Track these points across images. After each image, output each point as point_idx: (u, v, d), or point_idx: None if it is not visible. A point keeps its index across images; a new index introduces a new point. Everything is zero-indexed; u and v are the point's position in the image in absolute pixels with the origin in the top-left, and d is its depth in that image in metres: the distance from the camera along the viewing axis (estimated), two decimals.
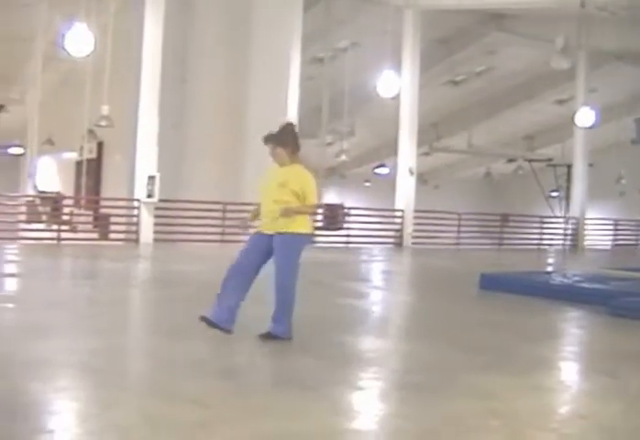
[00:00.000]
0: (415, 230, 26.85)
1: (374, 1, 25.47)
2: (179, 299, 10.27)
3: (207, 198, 22.13)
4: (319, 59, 28.18)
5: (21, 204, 23.84)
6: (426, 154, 37.28)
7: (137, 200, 21.17)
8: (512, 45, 29.93)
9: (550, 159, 38.22)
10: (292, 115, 23.39)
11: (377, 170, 39.16)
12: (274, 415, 4.84)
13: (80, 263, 16.89)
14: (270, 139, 7.44)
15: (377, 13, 25.29)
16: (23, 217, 23.53)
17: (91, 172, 26.69)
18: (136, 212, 21.38)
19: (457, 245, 28.24)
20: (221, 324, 7.02)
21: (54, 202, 25.16)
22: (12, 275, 13.64)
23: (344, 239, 26.17)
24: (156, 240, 21.53)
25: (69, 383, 5.58)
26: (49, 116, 25.54)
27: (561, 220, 33.08)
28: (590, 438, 4.87)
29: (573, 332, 9.46)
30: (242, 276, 7.31)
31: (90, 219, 25.05)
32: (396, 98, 25.83)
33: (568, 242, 31.82)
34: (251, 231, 7.63)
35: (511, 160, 42.97)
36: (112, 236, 23.26)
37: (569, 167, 33.76)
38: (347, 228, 26.63)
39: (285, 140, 7.44)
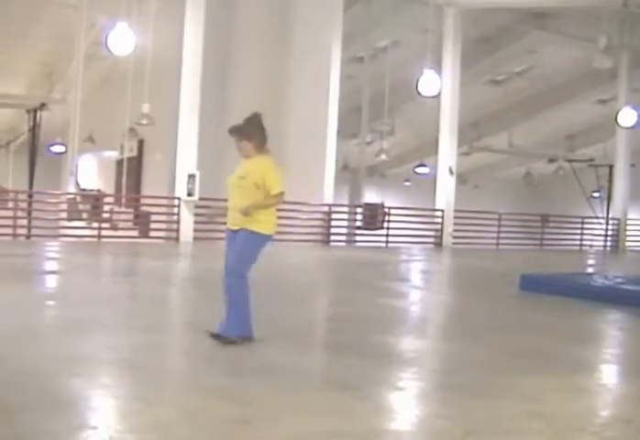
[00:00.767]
0: (455, 230, 26.76)
1: (414, 0, 25.39)
2: (218, 297, 10.29)
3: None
4: (359, 58, 28.18)
5: (62, 202, 24.03)
6: (466, 154, 37.15)
7: (178, 198, 21.28)
8: (553, 44, 29.72)
9: (591, 160, 37.88)
10: (333, 114, 23.42)
11: (417, 170, 39.05)
12: (315, 414, 4.83)
13: (120, 261, 17.00)
14: (234, 132, 7.15)
15: (417, 11, 25.22)
16: (64, 215, 23.72)
17: (131, 170, 26.83)
18: (176, 210, 21.48)
19: (497, 245, 28.10)
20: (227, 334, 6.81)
21: (95, 200, 25.35)
22: (53, 272, 13.77)
23: (383, 239, 26.11)
24: (196, 238, 21.63)
25: (110, 380, 5.60)
26: (90, 115, 25.70)
27: (602, 221, 32.79)
28: None
29: (615, 334, 9.36)
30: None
31: (130, 217, 25.21)
32: (437, 97, 25.74)
33: (609, 243, 31.54)
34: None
35: (551, 160, 42.64)
36: (152, 234, 23.41)
37: (611, 167, 33.42)
38: (387, 228, 26.57)
39: (250, 133, 7.11)
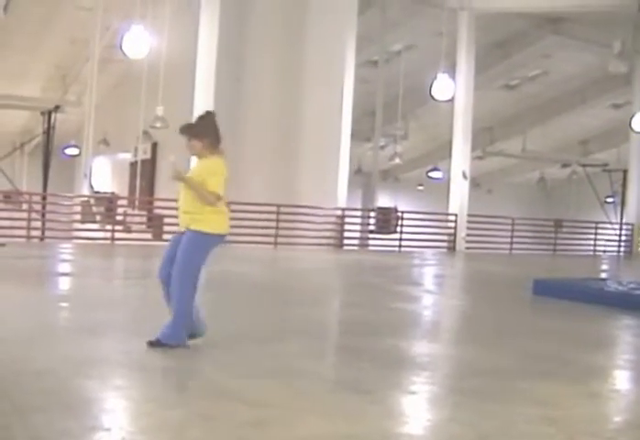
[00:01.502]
0: (468, 234, 26.72)
1: (429, 4, 25.40)
2: (230, 300, 10.32)
3: (261, 200, 22.18)
4: (373, 62, 28.20)
5: (76, 204, 24.10)
6: (480, 158, 37.12)
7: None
8: (567, 49, 29.69)
9: (605, 165, 37.80)
10: (346, 118, 23.43)
11: (430, 174, 39.07)
12: (329, 417, 4.83)
13: (133, 263, 17.04)
14: (184, 131, 6.95)
15: (431, 16, 25.24)
16: (78, 217, 23.79)
17: (145, 173, 26.90)
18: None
19: (510, 250, 28.05)
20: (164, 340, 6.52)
21: (108, 202, 25.40)
22: (67, 274, 13.81)
23: (396, 243, 26.09)
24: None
25: (123, 382, 5.61)
26: (104, 117, 25.80)
27: (616, 226, 32.69)
28: None
29: (629, 340, 9.32)
30: (166, 286, 6.75)
31: (144, 219, 25.26)
32: (450, 101, 25.73)
33: (622, 248, 31.45)
34: None
35: (565, 165, 42.57)
36: (165, 236, 23.41)
37: (625, 172, 33.35)
38: (400, 232, 26.55)
39: (202, 132, 6.87)
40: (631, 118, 28.23)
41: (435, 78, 23.73)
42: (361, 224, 26.88)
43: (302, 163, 23.79)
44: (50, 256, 17.74)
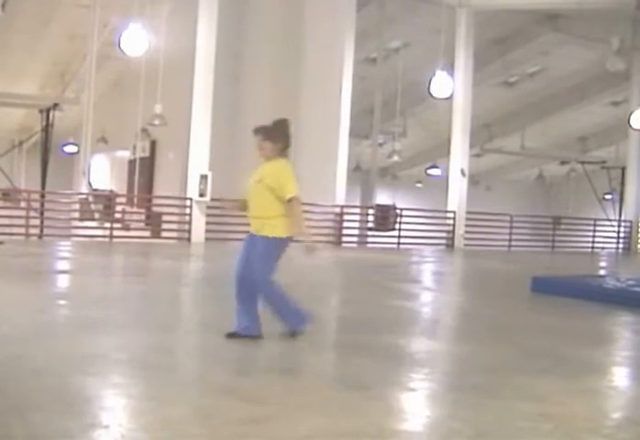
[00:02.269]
0: (467, 232, 26.73)
1: (427, 0, 25.37)
2: (230, 297, 10.31)
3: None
4: (372, 59, 28.19)
5: (75, 202, 24.10)
6: (478, 155, 37.12)
7: (190, 199, 21.30)
8: (566, 46, 29.67)
9: (604, 162, 37.81)
10: (345, 115, 23.42)
11: (429, 171, 39.07)
12: (327, 414, 4.84)
13: (132, 261, 17.04)
14: (260, 131, 7.14)
15: (430, 12, 25.21)
16: (76, 215, 23.79)
17: (144, 171, 26.88)
18: (188, 210, 21.51)
19: (508, 247, 28.06)
20: (243, 331, 6.91)
21: (107, 200, 25.39)
22: (65, 272, 13.80)
23: (395, 240, 26.11)
24: (208, 239, 21.66)
25: (122, 379, 5.62)
26: (103, 115, 25.80)
27: (614, 223, 32.71)
28: None
29: (627, 336, 9.34)
30: (244, 288, 7.03)
31: (142, 217, 25.26)
32: (449, 99, 25.71)
33: (621, 245, 31.47)
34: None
35: (564, 163, 42.59)
36: (164, 234, 23.45)
37: (623, 169, 33.36)
38: (399, 229, 26.55)
39: (276, 136, 7.08)
40: (629, 115, 28.23)
41: (434, 75, 23.70)
42: (360, 221, 26.88)
43: (300, 160, 23.67)
44: (49, 253, 17.75)
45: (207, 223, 21.69)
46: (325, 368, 6.44)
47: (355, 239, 26.48)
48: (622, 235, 31.50)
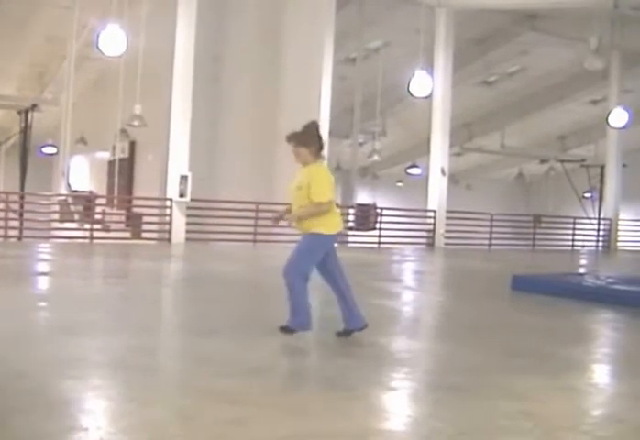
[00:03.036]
0: (447, 231, 26.79)
1: (406, 0, 25.40)
2: (211, 298, 10.30)
3: (239, 198, 22.19)
4: (351, 59, 28.20)
5: (54, 204, 24.01)
6: (458, 154, 37.23)
7: (170, 199, 21.27)
8: (545, 45, 29.77)
9: (583, 160, 37.98)
10: (325, 115, 23.42)
11: (409, 171, 39.11)
12: (308, 415, 4.84)
13: (112, 262, 16.98)
14: (292, 139, 7.27)
15: (409, 12, 25.25)
16: (56, 216, 23.70)
17: (123, 172, 26.80)
18: (168, 211, 21.47)
19: (489, 245, 28.14)
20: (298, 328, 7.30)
21: (87, 201, 25.30)
22: (45, 274, 13.74)
23: (376, 240, 26.13)
24: (188, 240, 21.63)
25: (102, 381, 5.60)
26: (82, 116, 25.72)
27: (594, 221, 32.86)
28: None
29: (607, 334, 9.38)
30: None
31: (122, 218, 25.19)
32: (428, 98, 25.77)
33: (601, 243, 31.61)
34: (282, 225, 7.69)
35: (543, 161, 42.75)
36: (144, 235, 23.39)
37: (603, 168, 33.52)
38: (379, 229, 26.59)
39: (308, 140, 7.22)
40: (608, 114, 28.40)
41: (414, 75, 23.75)
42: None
43: (280, 161, 23.74)
44: (29, 255, 17.66)
45: (187, 223, 21.67)
46: (305, 369, 6.45)
47: None
48: (601, 233, 31.65)
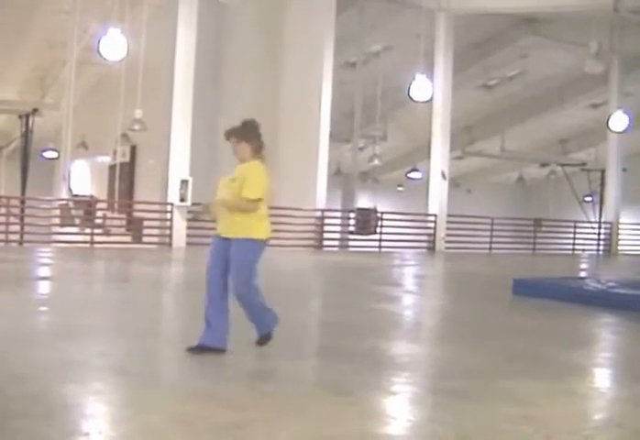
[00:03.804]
0: (448, 235, 26.79)
1: (407, 4, 25.43)
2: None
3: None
4: (352, 63, 28.20)
5: (55, 208, 23.99)
6: (459, 158, 37.23)
7: (171, 204, 21.27)
8: (544, 49, 29.78)
9: (584, 164, 37.96)
10: (325, 120, 23.44)
11: (410, 175, 39.10)
12: (308, 419, 4.84)
13: (113, 266, 16.99)
14: (233, 133, 6.93)
15: (409, 17, 25.25)
16: (57, 221, 23.68)
17: (124, 176, 26.80)
18: (169, 216, 21.47)
19: (489, 249, 28.13)
20: (215, 345, 6.65)
21: (88, 205, 25.29)
22: (46, 278, 13.74)
23: (376, 244, 26.12)
24: (189, 244, 21.61)
25: (104, 386, 5.59)
26: (83, 121, 25.70)
27: (595, 225, 32.85)
28: None
29: (608, 338, 9.38)
30: (216, 293, 6.83)
31: (123, 223, 25.17)
32: (429, 102, 25.77)
33: (601, 247, 31.59)
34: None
35: (544, 165, 42.74)
36: (145, 239, 23.37)
37: (603, 171, 33.53)
38: (380, 233, 26.58)
39: (249, 135, 6.93)
40: (608, 118, 28.41)
41: (414, 79, 23.76)
42: (341, 225, 26.89)
43: (281, 165, 23.75)
44: (29, 260, 17.66)
45: (188, 227, 21.67)
46: (305, 373, 6.44)
47: (336, 243, 26.47)
48: (602, 237, 31.63)
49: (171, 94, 21.39)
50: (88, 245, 21.77)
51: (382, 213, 27.97)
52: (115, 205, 25.95)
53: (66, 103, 23.96)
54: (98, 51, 19.72)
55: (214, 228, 6.94)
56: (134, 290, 12.39)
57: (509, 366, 6.85)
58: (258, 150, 6.98)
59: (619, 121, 27.79)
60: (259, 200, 6.76)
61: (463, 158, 38.33)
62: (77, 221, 24.43)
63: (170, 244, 21.52)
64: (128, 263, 17.71)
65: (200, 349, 6.58)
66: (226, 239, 6.73)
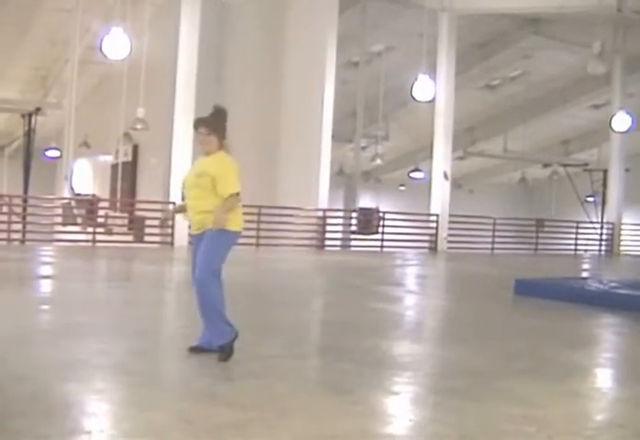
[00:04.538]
0: (450, 235, 26.77)
1: (409, 4, 25.42)
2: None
3: (243, 201, 22.15)
4: (354, 63, 28.22)
5: (57, 207, 24.00)
6: (461, 158, 37.24)
7: (173, 203, 21.26)
8: (547, 49, 29.78)
9: (586, 164, 37.96)
10: (327, 119, 23.42)
11: (412, 175, 39.09)
12: (310, 418, 4.83)
13: (115, 265, 16.99)
14: (203, 124, 6.60)
15: (412, 16, 25.25)
16: (59, 220, 23.69)
17: (126, 175, 26.84)
18: (171, 215, 21.46)
19: (491, 250, 28.11)
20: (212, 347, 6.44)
21: (90, 204, 25.31)
22: (48, 277, 13.74)
23: (378, 244, 26.11)
24: (190, 243, 21.58)
25: (105, 385, 5.59)
26: (85, 120, 25.70)
27: (597, 225, 32.83)
28: None
29: (610, 338, 9.37)
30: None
31: (125, 222, 25.18)
32: (431, 102, 25.75)
33: (603, 247, 31.58)
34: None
35: (546, 165, 42.73)
36: (147, 238, 23.37)
37: (605, 172, 33.49)
38: (382, 233, 26.56)
39: (219, 127, 6.60)
40: (611, 118, 28.37)
41: (416, 79, 23.73)
42: (343, 224, 26.88)
43: (283, 164, 23.81)
44: (31, 258, 17.66)
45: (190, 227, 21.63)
46: (307, 373, 6.43)
47: (338, 243, 26.47)
48: (604, 237, 31.61)
49: (174, 93, 21.37)
50: (90, 244, 21.77)
51: (384, 212, 27.97)
52: (117, 204, 25.98)
53: (68, 102, 23.97)
54: (100, 50, 19.72)
55: None
56: (136, 289, 12.39)
57: (510, 366, 6.85)
58: (222, 141, 6.66)
59: (622, 121, 27.75)
60: (239, 193, 6.57)
61: (465, 158, 38.34)
62: (79, 220, 24.46)
63: (171, 243, 21.51)
64: (130, 262, 17.71)
65: (201, 349, 6.56)
66: (203, 235, 6.52)
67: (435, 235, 26.61)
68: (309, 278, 15.88)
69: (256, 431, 4.53)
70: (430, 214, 26.82)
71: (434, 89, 24.57)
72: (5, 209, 22.86)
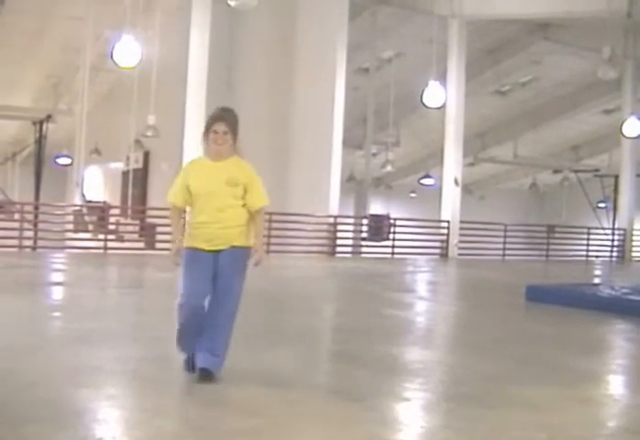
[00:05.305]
0: (461, 241, 26.72)
1: (419, 11, 25.44)
2: None
3: None
4: (364, 69, 28.24)
5: (68, 214, 24.07)
6: (472, 164, 37.21)
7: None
8: (557, 55, 29.76)
9: (597, 170, 37.91)
10: (338, 126, 23.42)
11: (422, 181, 39.08)
12: (321, 425, 4.83)
13: (126, 272, 17.01)
14: (223, 120, 5.93)
15: (422, 23, 25.28)
16: (70, 227, 23.76)
17: (137, 182, 26.90)
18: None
19: (503, 256, 28.06)
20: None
21: (101, 211, 25.38)
22: (59, 284, 13.77)
23: (389, 250, 26.09)
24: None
25: (117, 391, 5.60)
26: (96, 127, 25.81)
27: (608, 231, 32.74)
28: None
29: (622, 345, 9.34)
30: (201, 318, 6.12)
31: (136, 229, 25.23)
32: (442, 108, 25.75)
33: (615, 253, 31.49)
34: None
35: (557, 171, 42.67)
36: (158, 245, 23.39)
37: (617, 177, 33.44)
38: (393, 239, 26.54)
39: (236, 126, 5.96)
40: (621, 124, 28.31)
41: (427, 85, 23.76)
42: (354, 231, 26.87)
43: (294, 171, 23.80)
44: (43, 265, 17.70)
45: None
46: (318, 379, 6.43)
47: (349, 249, 26.46)
48: (615, 243, 31.51)
49: (184, 100, 21.40)
50: (101, 250, 21.80)
51: (395, 219, 27.95)
52: (129, 211, 26.03)
53: (79, 109, 24.06)
54: (112, 57, 19.79)
55: None
56: (147, 295, 12.41)
57: (522, 372, 6.83)
58: (235, 143, 6.01)
59: (632, 127, 27.68)
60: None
61: (476, 164, 38.31)
62: (90, 227, 24.52)
63: None
64: (142, 269, 17.73)
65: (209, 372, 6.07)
66: (219, 253, 5.85)
67: (446, 241, 26.57)
68: (320, 284, 15.88)
69: (267, 437, 4.53)
70: (441, 221, 26.79)
71: (444, 95, 24.58)
72: (16, 216, 22.92)
